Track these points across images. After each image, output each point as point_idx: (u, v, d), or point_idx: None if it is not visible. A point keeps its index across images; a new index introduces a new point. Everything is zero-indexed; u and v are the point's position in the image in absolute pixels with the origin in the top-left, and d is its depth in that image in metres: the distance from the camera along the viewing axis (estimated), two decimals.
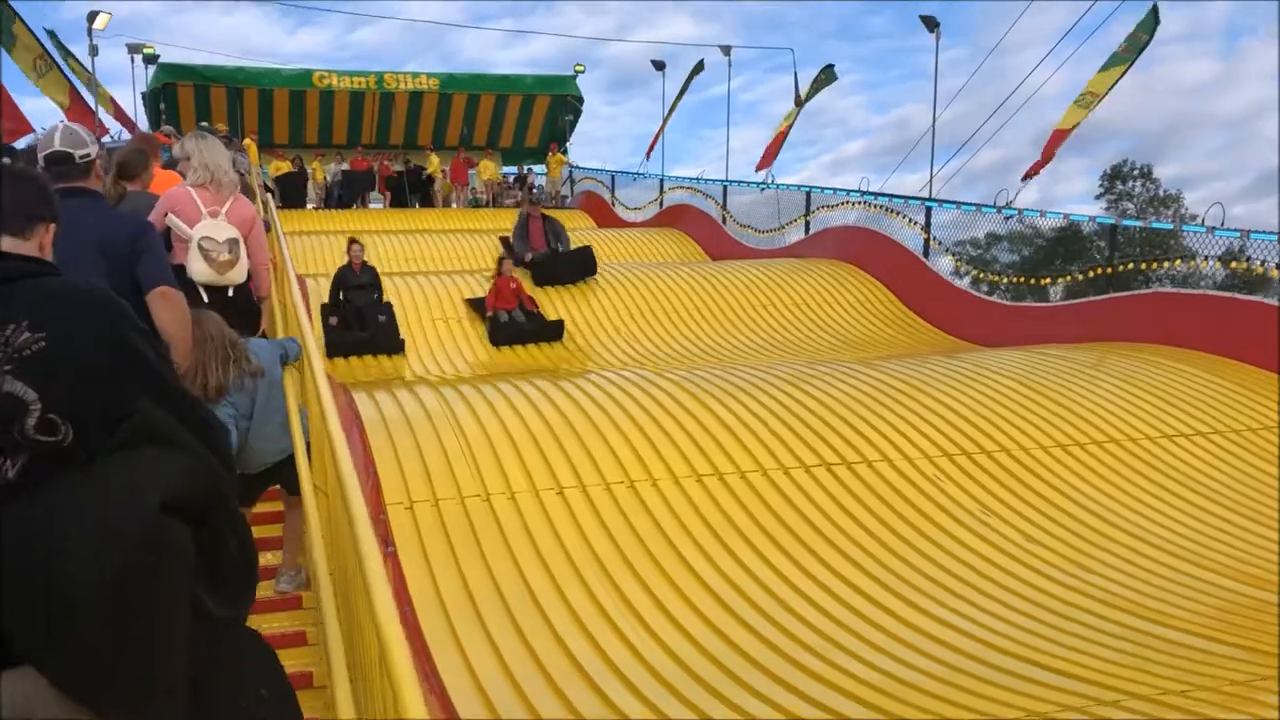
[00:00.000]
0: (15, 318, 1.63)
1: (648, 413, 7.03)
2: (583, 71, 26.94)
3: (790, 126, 19.57)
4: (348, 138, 26.11)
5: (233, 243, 4.88)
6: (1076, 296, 11.65)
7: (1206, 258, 9.85)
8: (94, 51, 19.17)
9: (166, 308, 3.37)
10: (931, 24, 16.87)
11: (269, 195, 16.18)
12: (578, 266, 13.51)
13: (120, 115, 21.25)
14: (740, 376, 7.94)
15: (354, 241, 11.93)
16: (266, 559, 5.13)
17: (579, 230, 17.24)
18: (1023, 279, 13.26)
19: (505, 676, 4.61)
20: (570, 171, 26.26)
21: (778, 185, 18.05)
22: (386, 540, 5.51)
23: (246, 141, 19.17)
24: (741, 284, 13.54)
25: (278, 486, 5.01)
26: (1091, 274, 11.37)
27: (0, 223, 1.88)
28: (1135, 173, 39.73)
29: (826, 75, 18.81)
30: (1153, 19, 12.49)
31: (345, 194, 23.03)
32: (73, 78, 17.91)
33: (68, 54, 18.53)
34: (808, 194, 16.80)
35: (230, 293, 4.93)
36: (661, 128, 23.85)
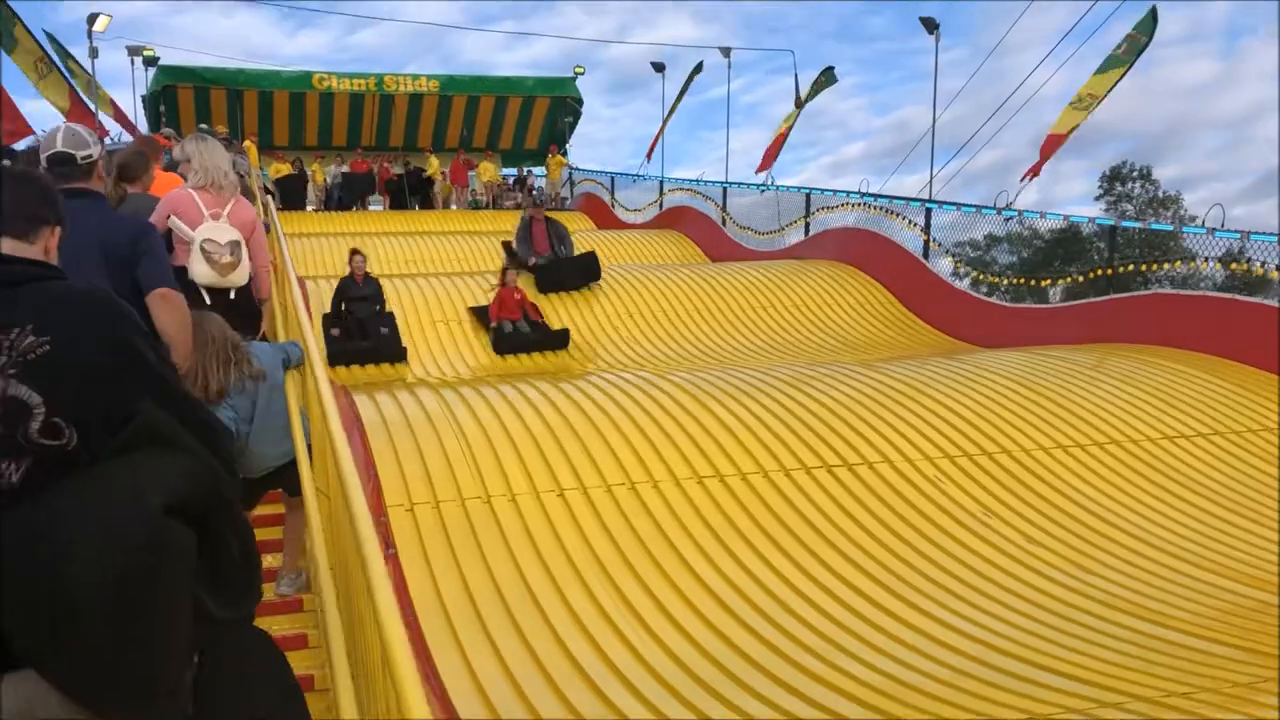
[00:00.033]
0: (20, 321, 1.63)
1: (649, 414, 7.03)
2: (582, 73, 26.97)
3: (790, 128, 19.57)
4: (348, 140, 26.13)
5: (234, 245, 4.88)
6: (1076, 298, 11.65)
7: (1206, 259, 9.86)
8: (94, 54, 19.19)
9: (167, 309, 3.36)
10: (931, 25, 16.88)
11: (269, 197, 16.18)
12: (582, 272, 13.38)
13: (120, 117, 21.26)
14: (741, 378, 7.94)
15: (356, 252, 11.76)
16: (267, 561, 5.13)
17: (579, 232, 17.21)
18: (1022, 280, 13.26)
19: (506, 678, 4.61)
20: (570, 173, 26.27)
21: (777, 187, 18.06)
22: (387, 542, 5.51)
23: (246, 143, 19.17)
24: (741, 286, 13.53)
25: (279, 489, 5.00)
26: (1092, 275, 11.37)
27: (3, 225, 1.88)
28: (1134, 174, 39.77)
29: (827, 77, 18.82)
30: (1151, 21, 12.49)
31: (345, 196, 23.03)
32: (72, 80, 17.90)
33: (68, 56, 18.53)
34: (807, 196, 16.80)
35: (232, 295, 4.93)
36: (661, 129, 23.88)
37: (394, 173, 24.15)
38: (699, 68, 22.86)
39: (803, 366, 8.85)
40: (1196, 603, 5.45)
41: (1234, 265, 9.76)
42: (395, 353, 11.07)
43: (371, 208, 23.93)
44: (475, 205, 24.67)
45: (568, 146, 27.16)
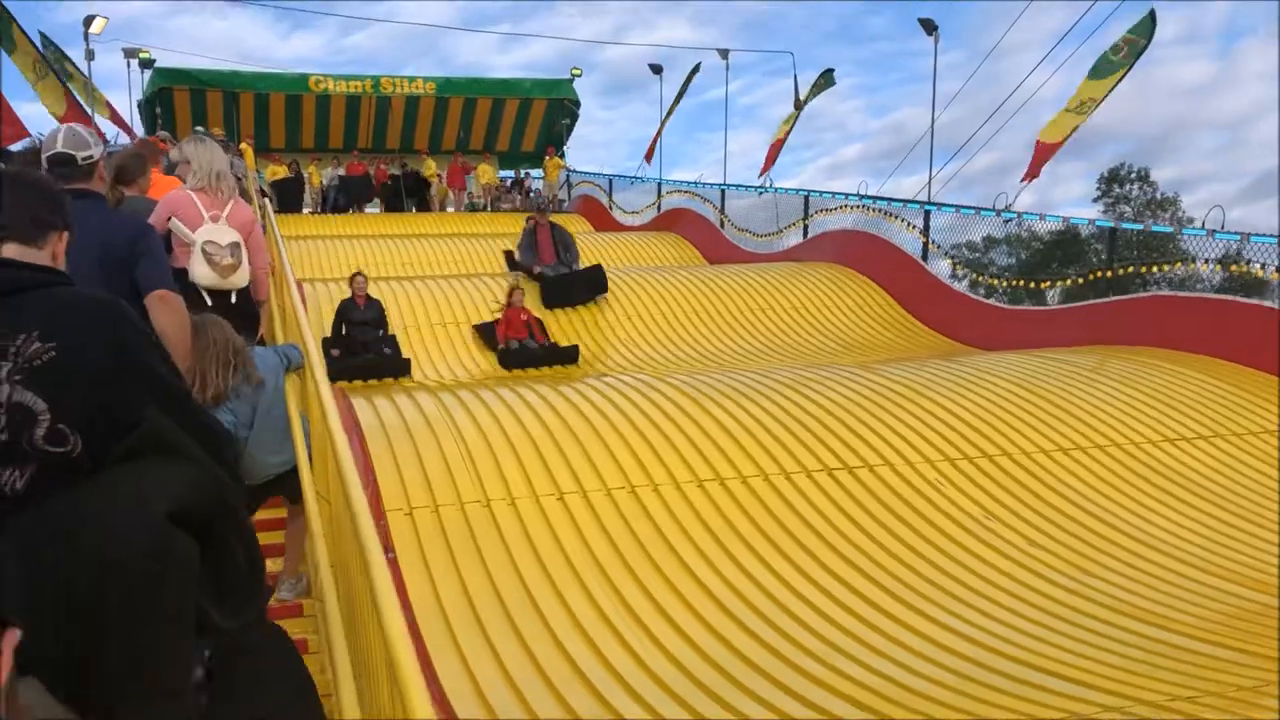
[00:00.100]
0: (26, 328, 1.62)
1: (648, 417, 7.01)
2: (580, 75, 26.92)
3: (790, 130, 19.55)
4: (344, 142, 26.07)
5: (235, 246, 4.86)
6: (1074, 300, 11.65)
7: (1206, 261, 9.85)
8: (90, 56, 19.13)
9: (165, 311, 3.34)
10: (930, 27, 16.86)
11: (265, 200, 16.15)
12: (589, 285, 13.08)
13: (117, 119, 21.22)
14: (740, 381, 7.92)
15: (358, 274, 11.49)
16: (267, 566, 5.09)
17: (576, 234, 17.18)
18: (1020, 282, 13.25)
19: (506, 681, 4.59)
20: (567, 175, 26.25)
21: (776, 189, 18.05)
22: (386, 546, 5.49)
23: (242, 146, 19.13)
24: (740, 288, 13.52)
25: (279, 495, 4.97)
26: (1092, 277, 11.36)
27: (8, 231, 1.87)
28: (1133, 176, 39.78)
29: (825, 79, 18.78)
30: (1150, 23, 12.47)
31: (342, 199, 22.96)
32: (68, 83, 17.85)
33: (64, 58, 18.48)
34: (806, 198, 16.79)
35: (233, 298, 4.91)
36: (659, 130, 23.82)
37: (390, 174, 24.08)
38: (697, 69, 22.85)
39: (802, 369, 8.84)
40: (1199, 606, 5.43)
41: (1234, 267, 9.75)
42: (398, 367, 10.78)
43: (368, 210, 23.88)
44: (472, 208, 24.63)
45: (565, 149, 27.14)
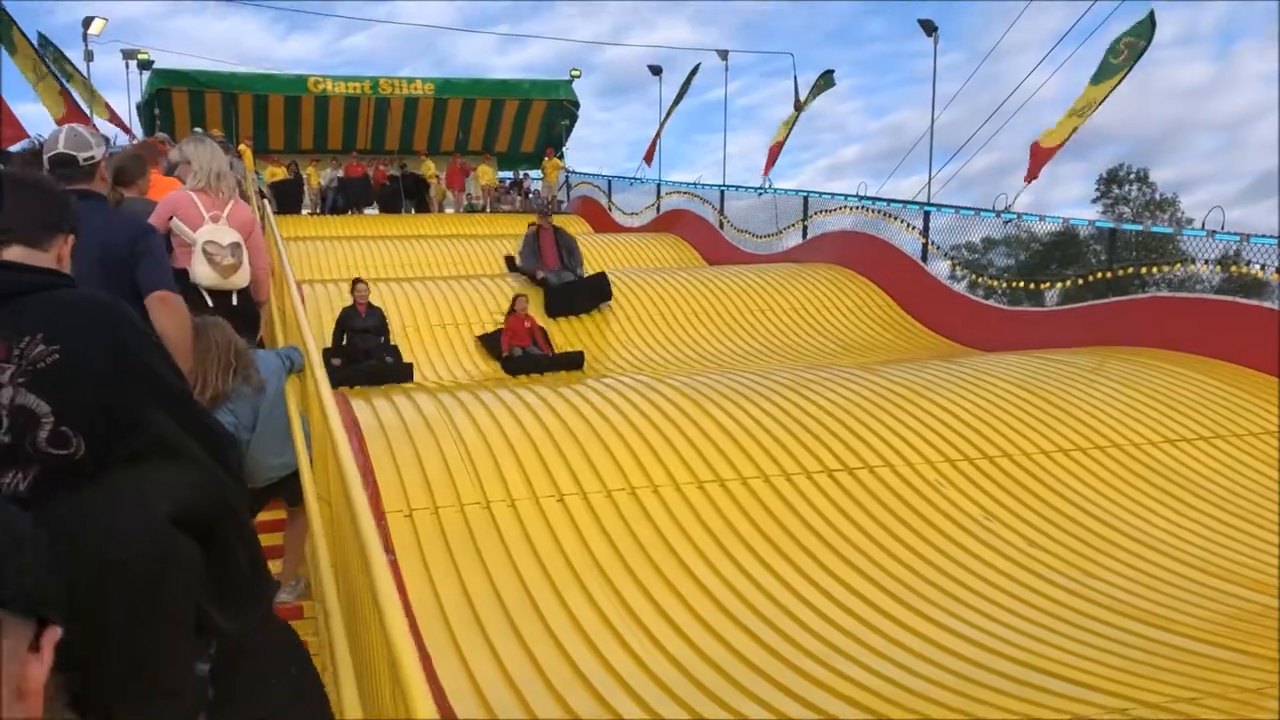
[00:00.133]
0: (30, 330, 1.62)
1: (648, 418, 7.00)
2: (579, 76, 26.93)
3: (789, 132, 19.54)
4: (343, 143, 26.06)
5: (235, 246, 4.86)
6: (1073, 300, 11.65)
7: (1206, 262, 9.85)
8: (89, 57, 19.13)
9: (165, 312, 3.33)
10: (930, 28, 16.86)
11: (265, 202, 16.12)
12: (593, 294, 12.89)
13: (116, 120, 21.22)
14: (740, 381, 7.91)
15: (359, 281, 11.30)
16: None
17: (577, 236, 17.16)
18: (1020, 283, 13.26)
19: (506, 683, 4.58)
20: (566, 176, 26.25)
21: (775, 190, 18.05)
22: (386, 548, 5.47)
23: (241, 147, 19.12)
24: (739, 289, 13.51)
25: (280, 499, 4.96)
26: (1091, 278, 11.36)
27: (13, 234, 1.87)
28: (1131, 177, 39.80)
29: (825, 80, 18.78)
30: (1150, 25, 12.47)
31: (341, 201, 22.91)
32: (67, 84, 17.84)
33: (62, 58, 18.46)
34: (805, 199, 16.79)
35: (234, 300, 4.90)
36: (659, 131, 23.82)
37: (389, 175, 24.04)
38: (696, 70, 22.85)
39: (802, 370, 8.83)
40: (1200, 607, 5.42)
41: (1234, 268, 9.75)
42: (401, 373, 10.57)
43: (367, 212, 23.86)
44: (471, 209, 24.62)
45: (564, 150, 27.13)
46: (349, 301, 11.24)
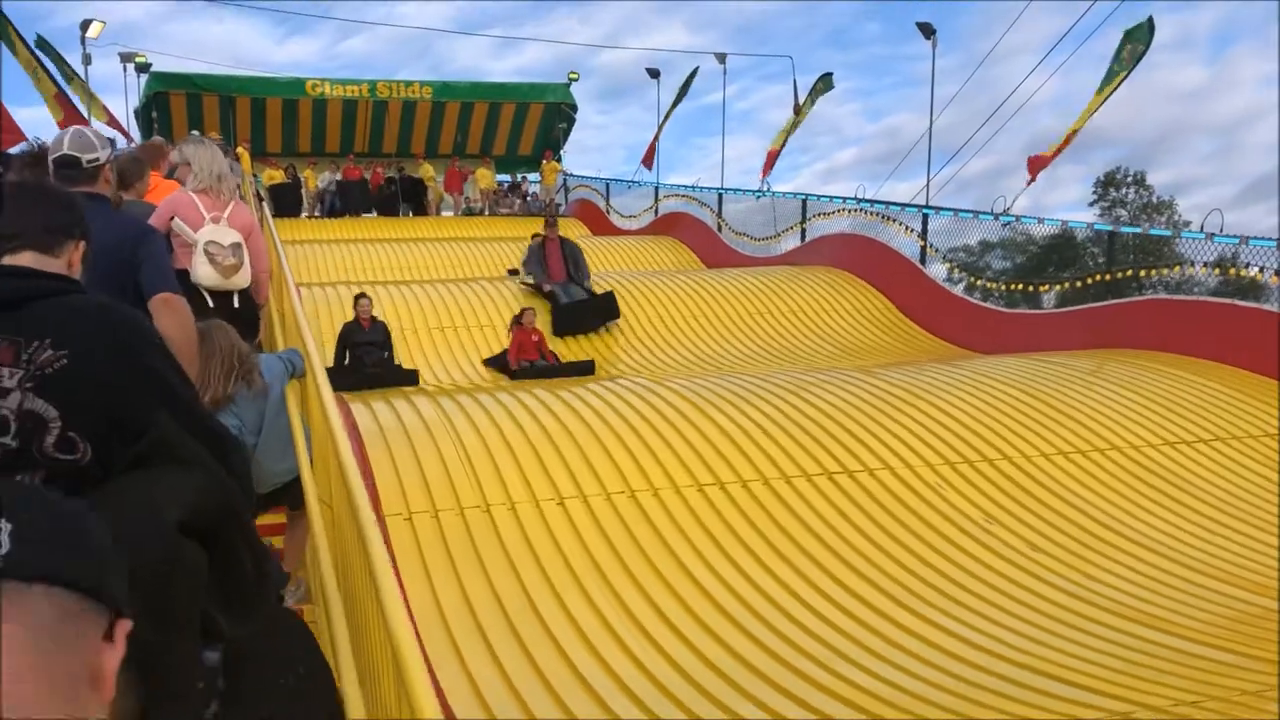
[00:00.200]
0: (38, 335, 1.62)
1: (648, 421, 6.99)
2: (576, 79, 26.95)
3: (788, 137, 19.52)
4: (341, 146, 26.06)
5: (236, 247, 4.86)
6: (1071, 303, 11.65)
7: (1205, 264, 9.85)
8: (87, 60, 19.12)
9: (169, 314, 3.32)
10: (928, 31, 16.89)
11: (263, 204, 16.11)
12: (601, 313, 12.63)
13: (114, 124, 21.20)
14: (740, 384, 7.90)
15: (362, 295, 11.02)
16: None
17: (576, 239, 17.17)
18: (1018, 285, 13.27)
19: (506, 686, 4.57)
20: (564, 179, 26.26)
21: (773, 193, 18.06)
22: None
23: (239, 150, 19.11)
24: (738, 292, 13.51)
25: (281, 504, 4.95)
26: (1090, 280, 11.37)
27: (25, 240, 1.87)
28: (1128, 179, 39.85)
29: (824, 83, 18.78)
30: (1148, 30, 12.49)
31: (339, 203, 22.88)
32: (67, 86, 17.82)
33: (62, 62, 18.45)
34: (804, 201, 16.80)
35: (235, 301, 4.89)
36: (657, 134, 23.83)
37: (386, 177, 24.01)
38: (695, 73, 22.87)
39: (801, 372, 8.82)
40: (1202, 609, 5.42)
41: (1233, 270, 9.75)
42: (405, 378, 10.36)
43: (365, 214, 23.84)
44: (469, 212, 24.61)
45: (562, 153, 27.14)
46: (349, 304, 11.17)
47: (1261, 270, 9.23)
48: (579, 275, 13.14)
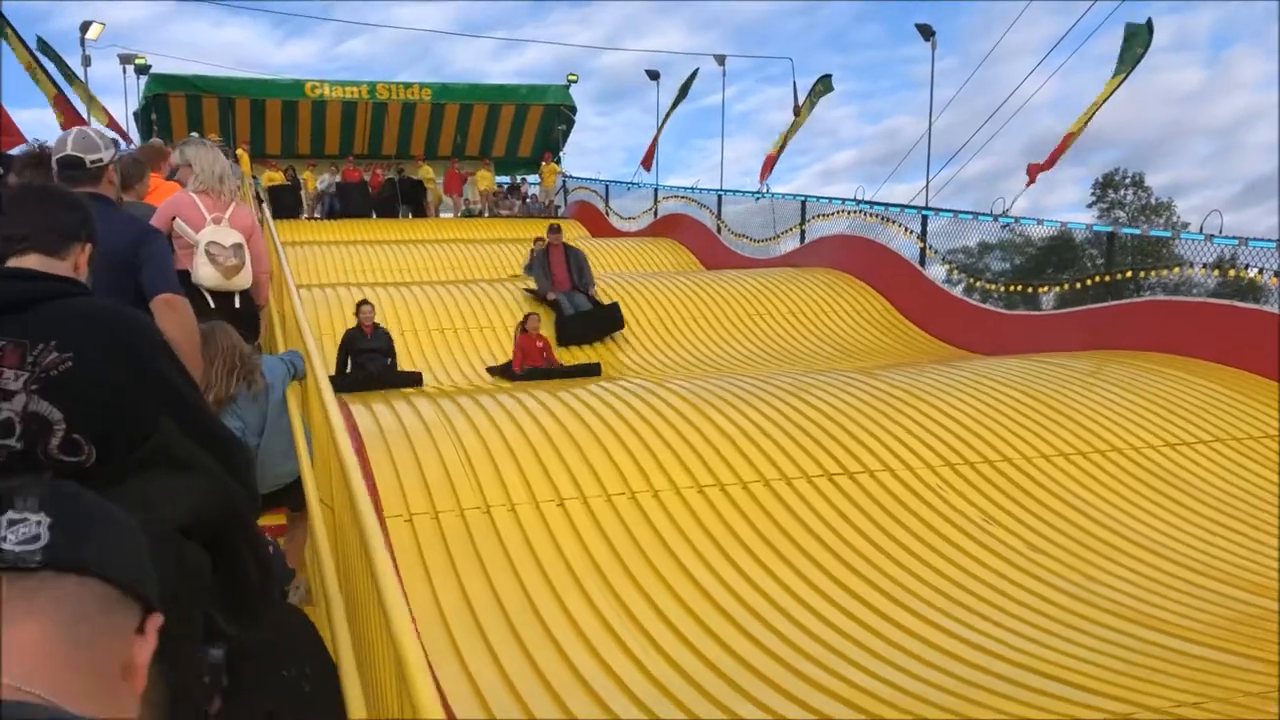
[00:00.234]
0: (44, 338, 1.63)
1: (648, 423, 6.99)
2: (576, 81, 26.94)
3: (786, 143, 19.50)
4: (340, 148, 26.04)
5: (238, 247, 4.86)
6: (1069, 304, 11.65)
7: (1205, 265, 9.86)
8: (87, 62, 19.10)
9: (171, 315, 3.31)
10: (927, 32, 16.89)
11: (263, 206, 16.09)
12: (607, 325, 12.47)
13: (113, 126, 21.18)
14: (740, 386, 7.90)
15: (364, 302, 10.88)
16: None
17: (575, 241, 17.16)
18: (1015, 287, 13.27)
19: (506, 687, 4.57)
20: (564, 181, 26.25)
21: (772, 194, 18.05)
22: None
23: (239, 152, 19.10)
24: (737, 293, 13.51)
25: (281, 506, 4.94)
26: (1089, 282, 11.37)
27: (31, 242, 1.87)
28: (1127, 181, 39.87)
29: (824, 85, 18.76)
30: (1147, 32, 12.49)
31: (338, 205, 22.84)
32: (68, 88, 17.80)
33: (61, 62, 18.43)
34: (803, 203, 16.80)
35: (237, 303, 4.89)
36: (656, 136, 23.82)
37: (386, 178, 23.97)
38: (695, 74, 22.87)
39: (801, 374, 8.82)
40: (1203, 611, 5.41)
41: (1232, 271, 9.75)
42: (409, 379, 10.27)
43: None
44: (468, 214, 24.60)
45: (561, 154, 27.13)
46: (348, 305, 11.14)
47: (1261, 271, 9.23)
48: (583, 283, 12.97)
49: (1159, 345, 9.51)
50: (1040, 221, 13.07)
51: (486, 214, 24.27)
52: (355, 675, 2.50)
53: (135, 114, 23.50)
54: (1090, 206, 40.01)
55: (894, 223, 14.42)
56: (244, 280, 4.91)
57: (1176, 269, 10.50)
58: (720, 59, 22.74)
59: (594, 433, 6.81)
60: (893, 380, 8.20)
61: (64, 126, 16.56)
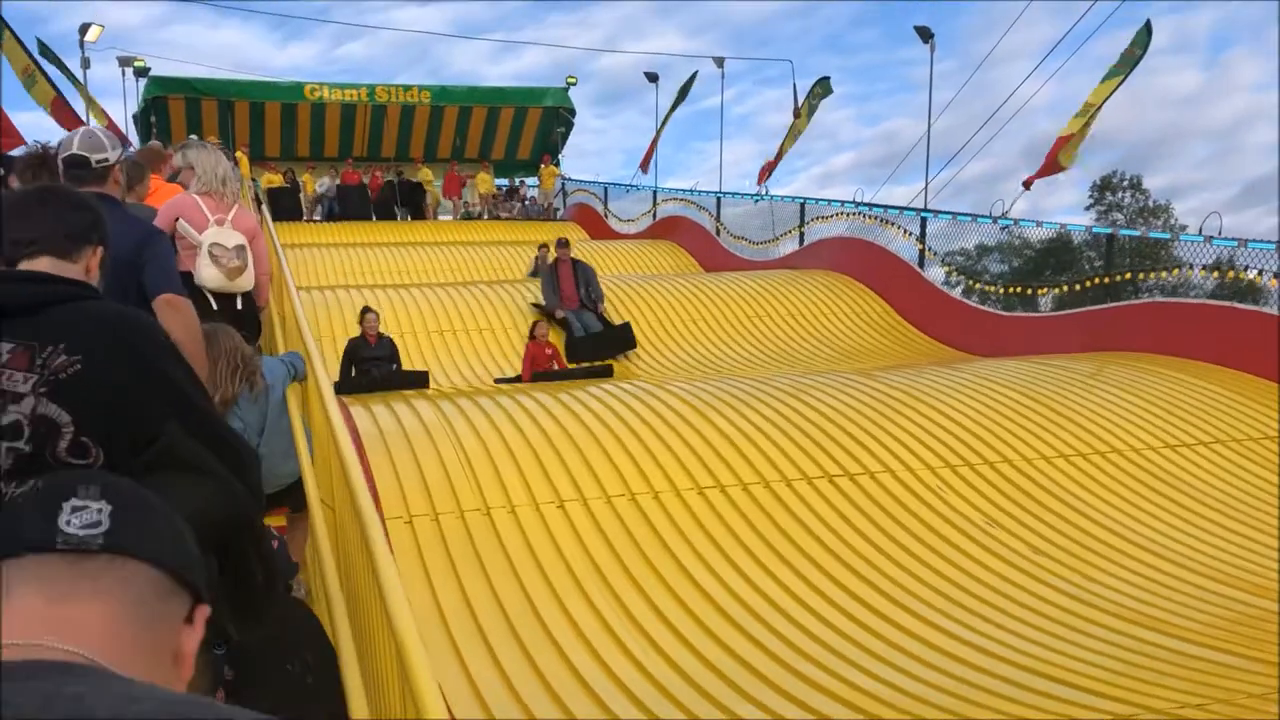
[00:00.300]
0: (53, 340, 1.63)
1: (648, 425, 6.99)
2: (574, 83, 26.94)
3: (790, 145, 19.46)
4: (339, 150, 26.04)
5: (240, 249, 4.86)
6: (1067, 307, 11.65)
7: (1204, 267, 9.86)
8: (86, 64, 19.10)
9: (173, 315, 3.30)
10: (926, 34, 16.90)
11: (262, 208, 16.09)
12: (618, 345, 12.19)
13: (112, 128, 21.15)
14: (740, 387, 7.90)
15: (368, 310, 10.76)
16: None
17: (574, 243, 17.15)
18: (1013, 289, 13.27)
19: (506, 688, 4.57)
20: (563, 183, 26.26)
21: (771, 197, 18.06)
22: None
23: (239, 154, 19.09)
24: (736, 295, 13.51)
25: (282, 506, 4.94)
26: (1089, 284, 11.37)
27: (42, 245, 1.88)
28: (1125, 183, 39.88)
29: (822, 88, 18.74)
30: (1146, 33, 12.50)
31: (338, 210, 22.81)
32: (64, 90, 17.78)
33: (62, 65, 18.41)
34: (802, 205, 16.81)
35: (239, 304, 4.89)
36: (655, 138, 23.82)
37: (385, 180, 23.95)
38: (694, 77, 22.86)
39: (801, 375, 8.82)
40: (1204, 612, 5.41)
41: (1231, 273, 9.76)
42: (415, 380, 10.12)
43: None
44: (468, 216, 24.60)
45: (560, 157, 27.13)
46: (348, 307, 11.12)
47: (1260, 273, 9.23)
48: (591, 300, 12.76)
49: (1158, 347, 9.52)
50: (1039, 223, 13.08)
51: (486, 216, 24.27)
52: (357, 674, 2.50)
53: (134, 116, 23.50)
54: (1088, 208, 40.05)
55: (893, 225, 14.43)
56: (246, 282, 4.91)
57: (1175, 270, 10.50)
58: (719, 61, 22.75)
59: (594, 434, 6.81)
60: (892, 381, 8.21)
61: (65, 128, 16.54)
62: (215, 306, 4.74)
